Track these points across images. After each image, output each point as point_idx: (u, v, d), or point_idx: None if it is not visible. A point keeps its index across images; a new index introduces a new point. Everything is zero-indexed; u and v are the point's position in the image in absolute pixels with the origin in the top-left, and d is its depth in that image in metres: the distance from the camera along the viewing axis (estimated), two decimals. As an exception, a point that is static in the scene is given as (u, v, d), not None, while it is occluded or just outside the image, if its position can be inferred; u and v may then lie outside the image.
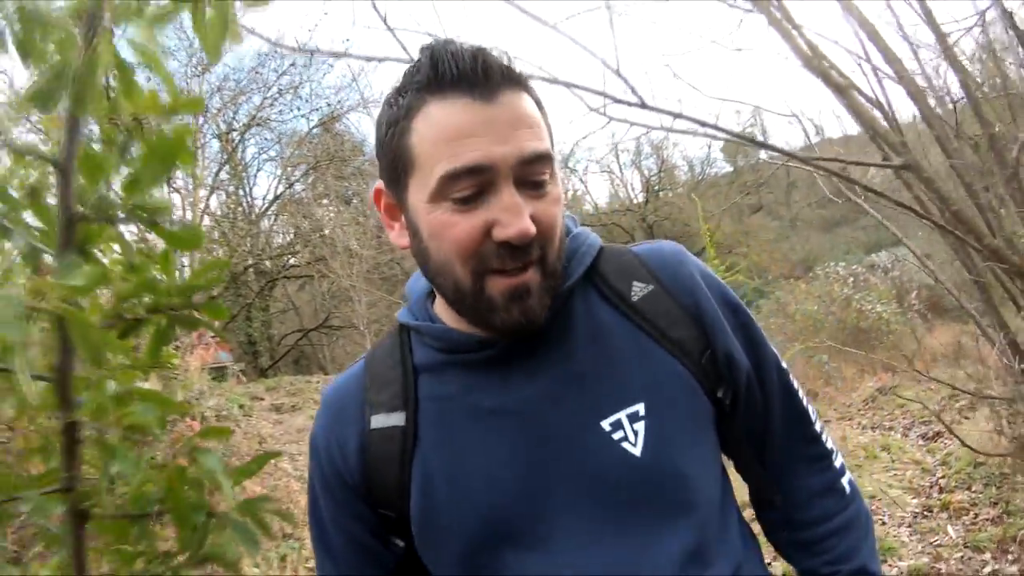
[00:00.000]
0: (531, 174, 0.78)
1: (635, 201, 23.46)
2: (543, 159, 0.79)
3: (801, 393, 1.01)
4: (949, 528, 3.80)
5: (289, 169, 15.88)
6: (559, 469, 0.82)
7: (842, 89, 1.55)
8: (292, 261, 15.73)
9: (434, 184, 0.77)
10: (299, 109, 14.96)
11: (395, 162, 0.82)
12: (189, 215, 13.20)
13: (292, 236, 16.24)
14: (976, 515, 3.88)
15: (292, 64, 13.86)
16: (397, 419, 0.88)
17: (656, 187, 23.63)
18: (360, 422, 0.90)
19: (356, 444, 0.90)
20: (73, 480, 0.81)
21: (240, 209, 16.16)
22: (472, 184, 0.77)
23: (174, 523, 0.83)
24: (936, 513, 4.02)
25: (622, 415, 0.83)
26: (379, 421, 0.89)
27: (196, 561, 0.83)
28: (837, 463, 1.02)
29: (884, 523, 4.08)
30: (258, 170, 15.32)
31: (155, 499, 0.85)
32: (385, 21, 1.44)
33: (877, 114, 1.68)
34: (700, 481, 0.86)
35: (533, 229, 0.76)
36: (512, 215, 0.76)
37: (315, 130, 15.52)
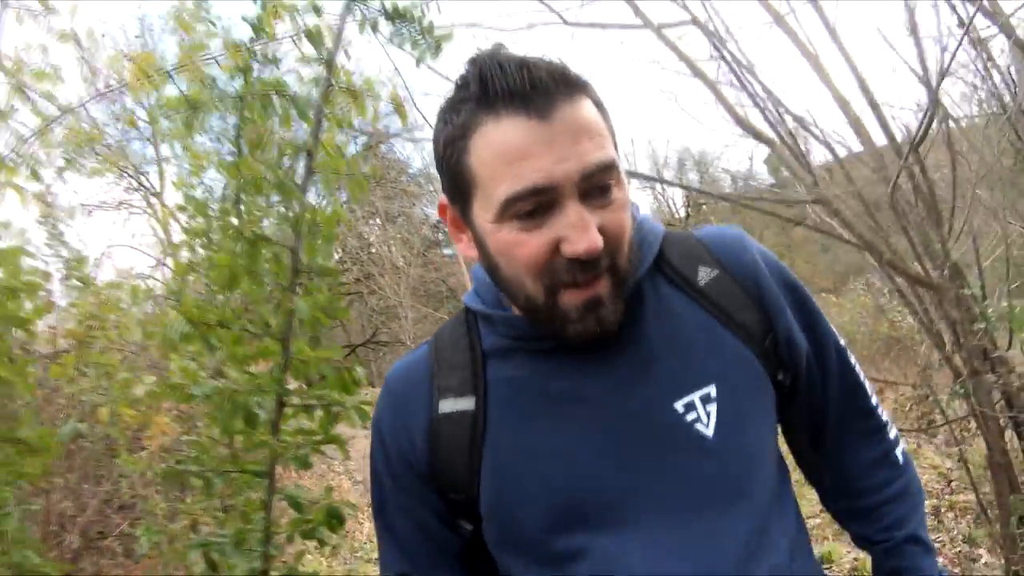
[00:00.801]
0: (596, 184, 0.77)
1: (676, 216, 23.65)
2: (607, 168, 0.78)
3: (858, 368, 1.03)
4: (953, 526, 4.05)
5: (337, 191, 16.52)
6: (633, 451, 0.83)
7: (770, 142, 1.92)
8: (341, 279, 16.37)
9: (497, 205, 0.78)
10: (349, 136, 15.59)
11: (456, 180, 0.83)
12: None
13: (340, 254, 16.93)
14: (979, 514, 4.11)
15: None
16: (467, 404, 0.88)
17: (700, 202, 23.81)
18: (427, 408, 0.90)
19: (424, 430, 0.90)
20: (280, 382, 1.53)
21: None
22: (536, 202, 0.76)
23: (323, 411, 1.54)
24: (943, 512, 4.25)
25: (695, 397, 0.84)
26: (448, 406, 0.89)
27: (324, 441, 1.46)
28: (891, 434, 1.03)
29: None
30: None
31: (317, 395, 1.54)
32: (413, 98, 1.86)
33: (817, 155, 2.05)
34: (765, 463, 0.88)
35: (600, 243, 0.76)
36: (579, 231, 0.75)
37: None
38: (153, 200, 14.53)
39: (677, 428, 0.83)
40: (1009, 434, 2.50)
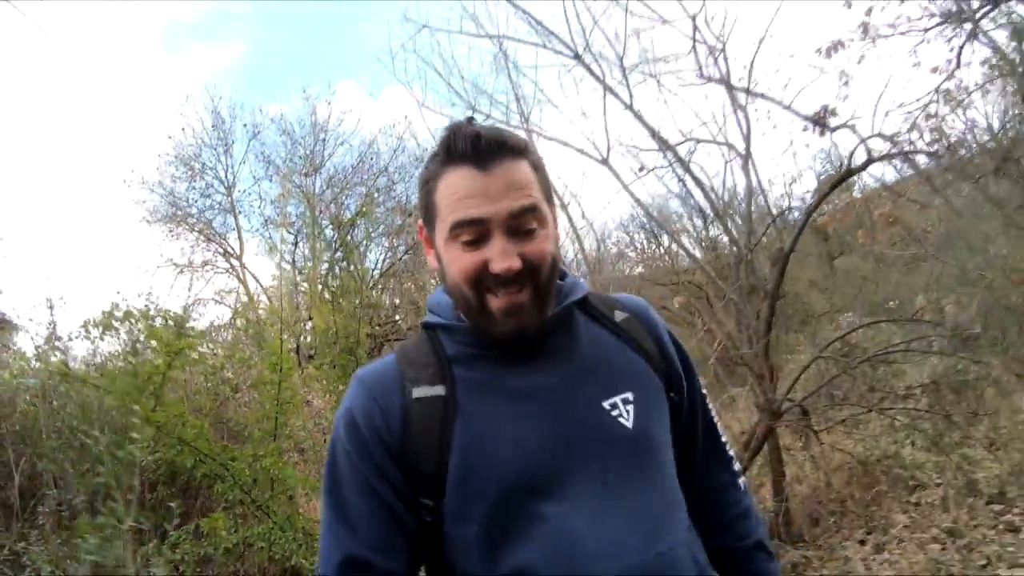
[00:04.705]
0: (521, 224, 1.07)
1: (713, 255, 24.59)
2: (529, 211, 1.07)
3: (714, 411, 1.37)
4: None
5: (392, 249, 18.87)
6: (574, 436, 1.08)
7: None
8: (398, 320, 18.38)
9: (447, 230, 1.08)
10: (396, 201, 18.09)
11: (427, 210, 1.15)
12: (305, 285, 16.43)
13: (397, 302, 18.96)
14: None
15: (385, 169, 17.27)
16: (438, 391, 1.11)
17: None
18: (401, 394, 1.12)
19: (399, 411, 1.10)
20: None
21: (353, 283, 19.25)
22: (473, 232, 1.06)
23: None
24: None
25: (617, 399, 1.12)
26: (421, 392, 1.11)
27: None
28: (736, 466, 1.37)
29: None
30: (366, 248, 18.54)
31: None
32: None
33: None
34: (669, 452, 1.17)
35: (517, 265, 1.05)
36: (501, 256, 1.05)
37: (412, 215, 18.53)
38: (234, 261, 17.61)
39: (606, 421, 1.10)
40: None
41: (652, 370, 1.20)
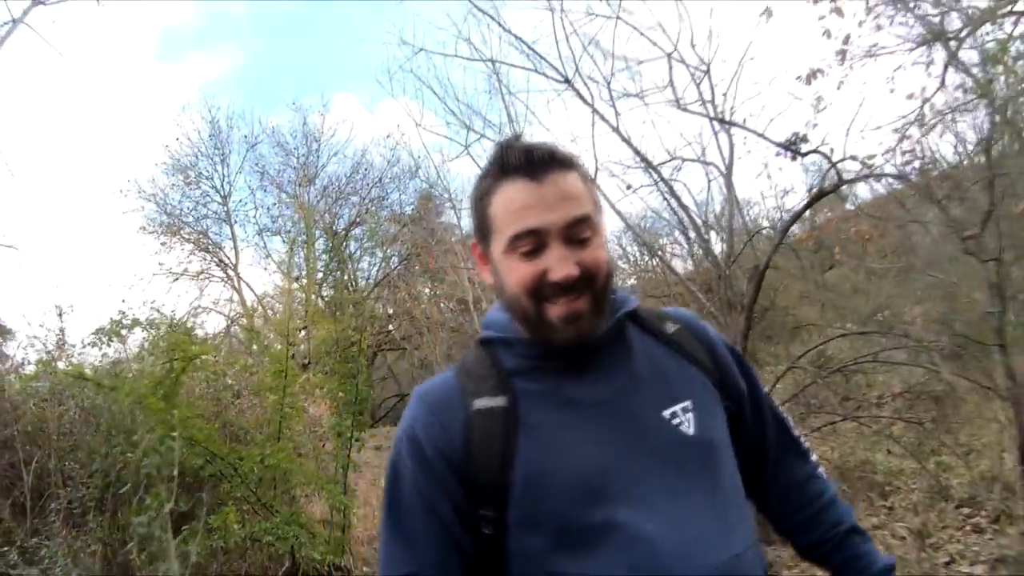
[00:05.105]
0: (576, 233, 1.11)
1: (713, 267, 24.66)
2: (583, 221, 1.12)
3: (782, 410, 1.43)
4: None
5: (386, 260, 19.16)
6: (636, 444, 1.10)
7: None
8: (391, 330, 18.62)
9: (506, 242, 1.13)
10: (390, 210, 18.40)
11: (482, 225, 1.20)
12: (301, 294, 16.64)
13: (391, 312, 19.17)
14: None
15: (379, 180, 17.57)
16: (500, 401, 1.13)
17: (732, 258, 24.96)
18: (462, 407, 1.14)
19: (461, 424, 1.13)
20: (353, 400, 5.30)
21: (346, 292, 19.50)
22: (531, 242, 1.11)
23: (361, 405, 5.29)
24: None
25: (677, 408, 1.15)
26: (482, 403, 1.14)
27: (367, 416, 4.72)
28: (813, 458, 1.42)
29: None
30: (361, 257, 18.77)
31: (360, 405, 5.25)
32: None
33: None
34: (731, 457, 1.20)
35: (576, 272, 1.09)
36: (560, 264, 1.09)
37: (407, 226, 18.71)
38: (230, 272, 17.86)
39: (666, 429, 1.13)
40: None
41: (706, 379, 1.24)
